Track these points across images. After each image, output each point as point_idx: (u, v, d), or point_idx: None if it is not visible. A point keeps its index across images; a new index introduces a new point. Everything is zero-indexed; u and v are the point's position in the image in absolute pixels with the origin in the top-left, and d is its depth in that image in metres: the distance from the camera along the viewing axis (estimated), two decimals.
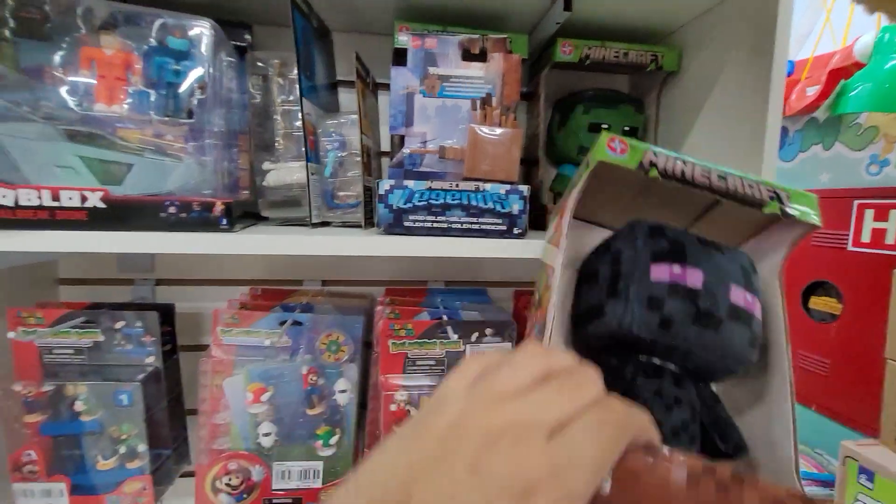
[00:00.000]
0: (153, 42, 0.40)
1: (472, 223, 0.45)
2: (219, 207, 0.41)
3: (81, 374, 0.53)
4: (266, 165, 0.51)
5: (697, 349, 0.30)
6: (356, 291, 0.69)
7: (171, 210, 0.40)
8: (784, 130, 1.45)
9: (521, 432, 0.18)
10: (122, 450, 0.52)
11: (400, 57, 0.52)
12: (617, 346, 0.32)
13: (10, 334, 0.50)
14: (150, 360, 0.54)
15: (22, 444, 0.51)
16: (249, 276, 0.67)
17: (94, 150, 0.40)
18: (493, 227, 0.45)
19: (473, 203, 0.45)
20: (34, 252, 0.38)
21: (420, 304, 0.60)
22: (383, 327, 0.52)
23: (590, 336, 0.34)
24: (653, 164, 0.33)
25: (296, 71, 0.51)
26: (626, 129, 0.61)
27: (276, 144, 0.51)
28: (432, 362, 0.53)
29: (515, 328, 0.56)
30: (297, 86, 0.50)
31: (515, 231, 0.46)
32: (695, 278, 0.30)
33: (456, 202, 0.45)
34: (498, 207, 0.45)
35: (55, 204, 0.38)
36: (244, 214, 0.50)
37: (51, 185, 0.38)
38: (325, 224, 0.53)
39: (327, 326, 0.54)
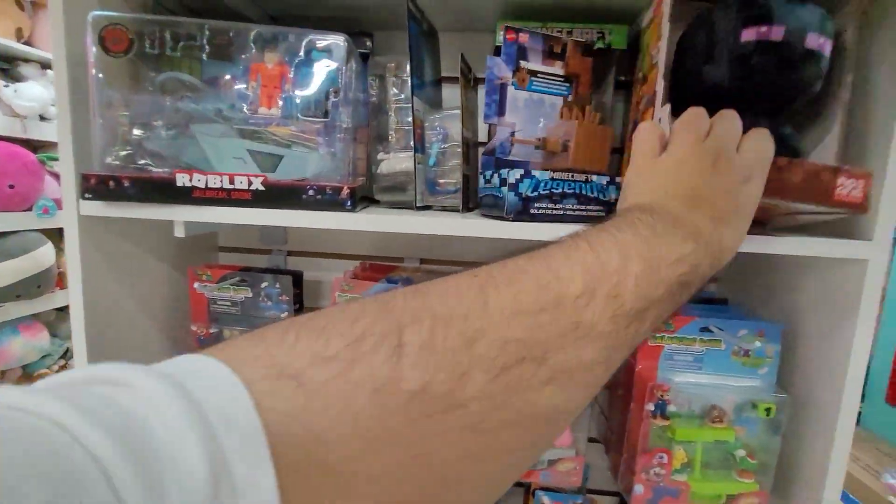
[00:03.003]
0: (301, 56, 0.50)
1: (581, 210, 0.49)
2: (345, 191, 0.50)
3: (236, 322, 0.67)
4: (380, 155, 0.59)
5: (777, 89, 0.42)
6: (450, 270, 0.76)
7: (310, 193, 0.49)
8: None
9: (732, 156, 0.35)
10: None
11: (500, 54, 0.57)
12: (710, 99, 0.41)
13: (194, 285, 0.65)
14: (284, 315, 0.66)
15: None
16: (361, 252, 0.78)
17: (257, 144, 0.51)
18: (595, 214, 0.49)
19: (583, 192, 0.49)
20: (213, 223, 0.51)
21: None
22: None
23: (688, 95, 0.45)
24: None
25: (408, 72, 0.58)
26: None
27: (389, 137, 0.59)
28: None
29: None
30: (409, 85, 0.57)
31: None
32: (778, 33, 0.39)
33: (571, 191, 0.48)
34: (600, 196, 0.49)
35: (231, 186, 0.49)
36: (362, 197, 0.58)
37: (228, 172, 0.49)
38: (427, 207, 0.59)
39: None
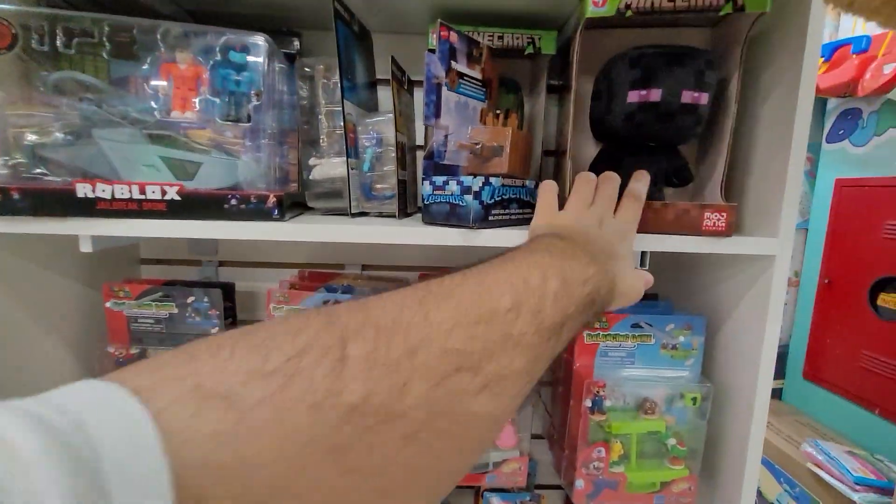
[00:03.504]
0: (218, 57, 0.46)
1: (520, 214, 0.51)
2: (272, 200, 0.47)
3: (160, 341, 0.62)
4: (312, 161, 0.57)
5: (661, 135, 0.51)
6: (392, 276, 0.75)
7: (233, 202, 0.46)
8: (857, 112, 1.35)
9: (610, 221, 0.44)
10: None
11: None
12: (615, 138, 0.54)
13: (107, 304, 0.60)
14: (215, 330, 0.62)
15: None
16: (298, 260, 0.75)
17: (171, 150, 0.47)
18: (529, 217, 0.50)
19: (521, 197, 0.51)
20: (124, 237, 0.47)
21: None
22: None
23: (598, 133, 0.57)
24: (628, 7, 0.47)
25: (338, 74, 0.56)
26: None
27: (321, 141, 0.57)
28: None
29: None
30: (339, 88, 0.55)
31: None
32: (656, 95, 0.48)
33: (515, 196, 0.50)
34: (531, 199, 0.50)
35: (142, 197, 0.45)
36: (293, 204, 0.56)
37: (138, 180, 0.45)
38: (363, 214, 0.58)
39: None
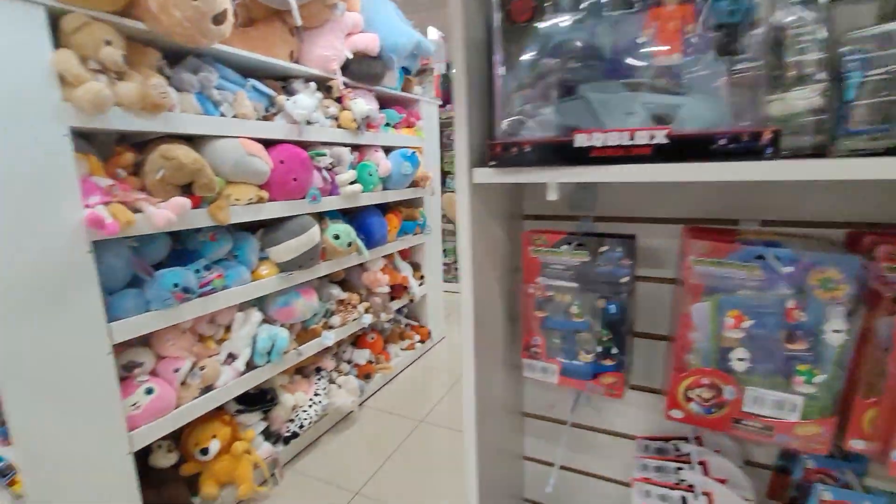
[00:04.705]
0: None
1: None
2: (766, 136, 0.43)
3: (568, 286, 0.68)
4: (769, 97, 0.51)
5: None
6: (806, 233, 0.64)
7: (722, 142, 0.45)
8: None
9: None
10: (600, 349, 0.65)
11: None
12: None
13: (528, 249, 0.68)
14: (626, 279, 0.64)
15: (531, 331, 0.70)
16: (678, 215, 0.71)
17: (650, 96, 0.48)
18: None
19: None
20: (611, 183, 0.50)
21: None
22: None
23: None
24: None
25: None
26: None
27: (787, 71, 0.50)
28: None
29: None
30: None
31: None
32: None
33: None
34: None
35: (631, 142, 0.47)
36: None
37: (626, 128, 0.47)
38: (821, 154, 0.49)
39: (819, 263, 0.52)
